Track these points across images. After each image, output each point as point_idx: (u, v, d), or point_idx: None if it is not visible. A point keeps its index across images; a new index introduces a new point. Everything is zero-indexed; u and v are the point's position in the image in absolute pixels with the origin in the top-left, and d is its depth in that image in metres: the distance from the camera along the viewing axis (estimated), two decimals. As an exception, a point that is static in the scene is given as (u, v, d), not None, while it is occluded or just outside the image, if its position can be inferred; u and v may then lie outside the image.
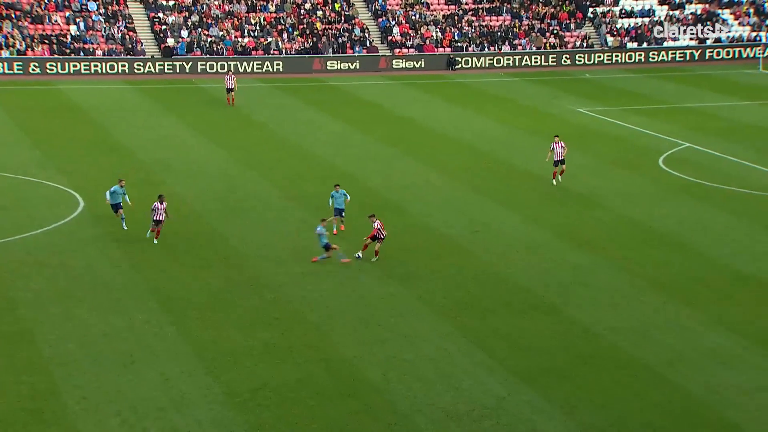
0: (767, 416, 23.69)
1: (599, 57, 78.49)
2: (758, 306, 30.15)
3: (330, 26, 78.46)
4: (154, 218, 35.16)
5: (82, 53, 73.29)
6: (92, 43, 74.04)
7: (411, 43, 78.05)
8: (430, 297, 30.88)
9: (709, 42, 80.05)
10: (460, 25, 79.91)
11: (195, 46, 75.04)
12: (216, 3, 79.04)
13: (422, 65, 76.69)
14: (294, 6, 79.64)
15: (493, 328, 28.62)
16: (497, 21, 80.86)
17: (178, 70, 73.15)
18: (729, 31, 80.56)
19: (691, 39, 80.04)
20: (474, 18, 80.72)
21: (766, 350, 26.98)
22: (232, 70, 69.97)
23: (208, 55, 74.64)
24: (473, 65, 77.13)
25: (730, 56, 79.48)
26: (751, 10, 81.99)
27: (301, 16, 78.97)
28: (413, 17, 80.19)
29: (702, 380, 25.29)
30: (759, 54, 77.48)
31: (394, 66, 76.40)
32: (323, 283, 32.02)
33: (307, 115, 59.25)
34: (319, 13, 79.55)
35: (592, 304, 30.37)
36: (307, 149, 50.49)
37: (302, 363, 26.38)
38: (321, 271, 33.06)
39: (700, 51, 79.49)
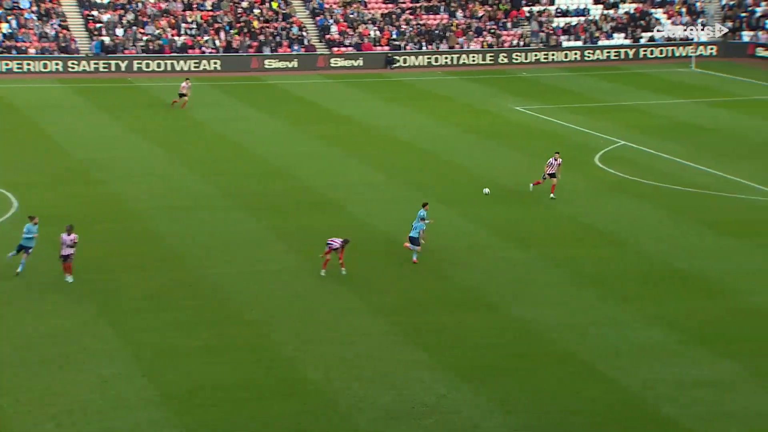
0: (702, 410, 23.99)
1: (536, 56, 79.07)
2: (693, 301, 30.55)
3: (267, 25, 78.08)
4: (61, 254, 30.83)
5: (14, 51, 72.07)
6: (25, 42, 72.84)
7: (349, 41, 77.97)
8: (370, 295, 30.82)
9: (642, 41, 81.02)
10: (398, 23, 79.98)
11: (131, 43, 74.22)
12: (151, 1, 78.24)
13: (361, 64, 76.63)
14: (231, 4, 79.11)
15: (433, 325, 28.64)
16: (435, 20, 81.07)
17: (113, 69, 72.27)
18: (663, 30, 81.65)
19: (625, 38, 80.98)
20: (412, 17, 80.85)
21: (702, 345, 27.32)
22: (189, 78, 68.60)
23: (144, 54, 73.86)
24: (411, 64, 77.24)
25: (664, 55, 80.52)
26: (684, 10, 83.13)
27: (239, 15, 78.47)
28: (351, 16, 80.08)
29: (639, 375, 25.54)
30: (691, 53, 78.60)
31: (332, 64, 76.24)
32: (263, 282, 31.80)
33: (245, 114, 58.90)
34: (257, 11, 79.12)
35: (532, 300, 30.54)
36: (245, 148, 50.16)
37: (241, 363, 26.17)
38: (261, 270, 32.84)
39: (634, 50, 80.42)
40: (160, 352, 26.60)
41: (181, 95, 59.20)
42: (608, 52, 79.98)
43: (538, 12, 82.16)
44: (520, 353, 26.98)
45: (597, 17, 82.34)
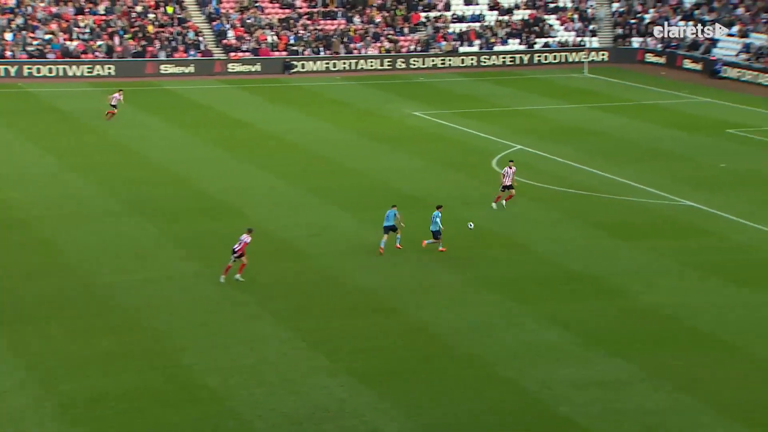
0: (598, 409, 24.52)
1: (433, 61, 79.78)
2: (588, 302, 31.20)
3: (162, 29, 77.20)
4: None
5: None
6: None
7: (246, 46, 77.59)
8: (270, 301, 30.75)
9: (537, 47, 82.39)
10: (295, 29, 79.89)
11: (20, 48, 72.63)
12: (41, 5, 76.67)
13: (258, 69, 76.32)
14: (125, 9, 78.02)
15: (333, 330, 28.70)
16: (332, 25, 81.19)
17: (2, 74, 70.65)
18: (557, 36, 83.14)
19: (521, 44, 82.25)
20: (309, 22, 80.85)
21: (596, 345, 27.93)
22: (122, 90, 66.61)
23: (34, 59, 72.35)
24: (310, 69, 77.24)
25: (558, 60, 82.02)
26: (576, 16, 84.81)
27: (133, 19, 77.42)
28: (248, 21, 79.72)
29: (537, 376, 25.99)
30: (584, 58, 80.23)
31: (229, 70, 75.77)
32: (163, 289, 31.47)
33: (141, 120, 58.14)
34: (151, 16, 78.18)
35: (431, 304, 30.83)
36: (141, 154, 49.54)
37: (142, 371, 25.87)
38: (160, 277, 32.49)
39: (529, 55, 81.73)
40: (57, 362, 26.13)
41: (113, 106, 56.60)
42: (504, 58, 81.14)
43: (434, 18, 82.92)
44: (421, 356, 27.21)
45: (492, 23, 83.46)
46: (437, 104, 64.34)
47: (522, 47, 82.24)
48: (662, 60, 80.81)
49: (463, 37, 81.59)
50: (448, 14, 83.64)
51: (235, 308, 30.19)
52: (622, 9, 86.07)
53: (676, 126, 57.38)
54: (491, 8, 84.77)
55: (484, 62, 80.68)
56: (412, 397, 24.91)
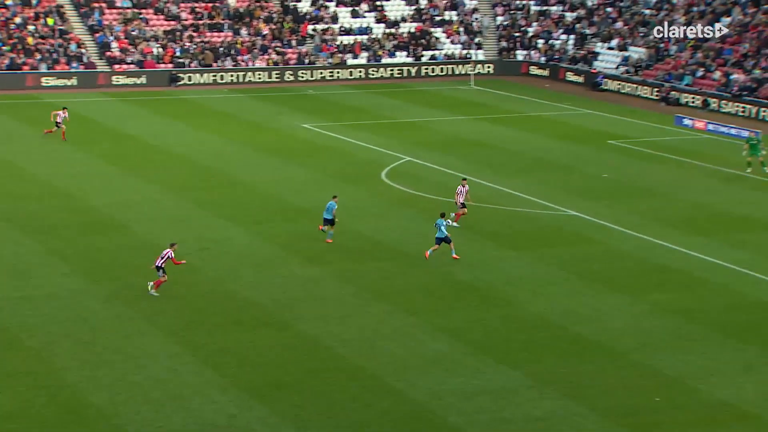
0: (486, 418, 24.79)
1: (321, 73, 79.86)
2: (476, 312, 31.55)
3: (43, 41, 75.57)
4: None
5: None
6: None
7: (131, 59, 76.49)
8: (158, 317, 30.30)
9: (424, 59, 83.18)
10: (181, 41, 79.08)
11: None
12: None
13: (144, 81, 75.28)
14: (2, 20, 76.11)
15: (222, 345, 28.43)
16: (219, 37, 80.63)
17: None
18: (443, 49, 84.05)
19: (407, 56, 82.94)
20: (195, 34, 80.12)
21: (485, 354, 28.24)
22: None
23: None
24: (196, 81, 76.52)
25: (444, 73, 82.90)
26: (462, 30, 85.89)
27: (11, 31, 75.58)
28: (132, 33, 78.60)
29: (426, 387, 26.15)
30: (470, 71, 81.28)
31: (114, 82, 74.56)
32: (43, 307, 30.74)
33: (21, 133, 56.77)
34: (31, 27, 76.45)
35: (321, 317, 30.78)
36: (22, 168, 48.37)
37: (22, 391, 25.19)
38: (42, 294, 31.73)
39: (416, 68, 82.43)
40: (-67, 385, 25.28)
41: (57, 124, 54.51)
42: (391, 70, 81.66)
43: (322, 30, 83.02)
44: (310, 369, 27.14)
45: (380, 36, 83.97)
46: (326, 116, 64.39)
47: (409, 60, 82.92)
48: (546, 72, 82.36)
49: (350, 50, 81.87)
50: (336, 27, 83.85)
51: (122, 324, 29.66)
52: (506, 22, 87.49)
53: (560, 137, 58.52)
54: (378, 21, 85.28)
55: (372, 74, 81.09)
56: (302, 410, 24.82)
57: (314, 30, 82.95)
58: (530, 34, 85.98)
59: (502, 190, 46.39)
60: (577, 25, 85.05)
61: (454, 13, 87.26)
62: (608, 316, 31.20)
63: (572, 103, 71.29)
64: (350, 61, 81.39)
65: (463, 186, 40.41)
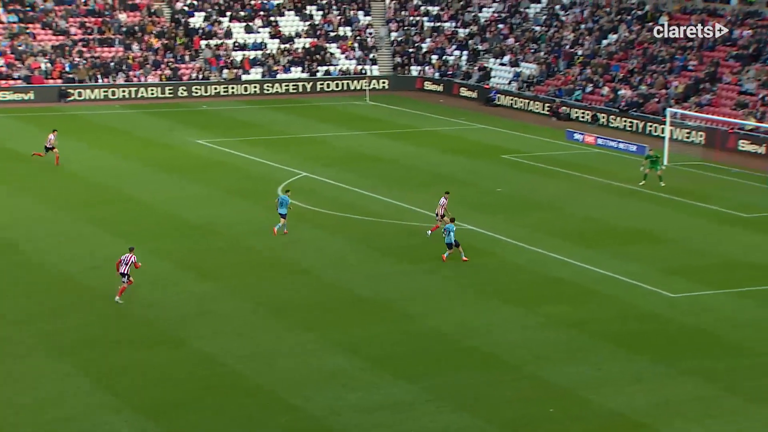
0: None
1: (215, 89, 79.35)
2: (374, 327, 31.67)
3: (-72, 55, 73.59)
4: None
5: None
6: None
7: (18, 74, 74.87)
8: (50, 337, 29.68)
9: (319, 75, 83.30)
10: (70, 57, 77.73)
11: None
12: None
13: (32, 97, 73.78)
14: None
15: (116, 364, 27.99)
16: (109, 52, 79.49)
17: None
18: (338, 64, 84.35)
19: (302, 71, 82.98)
20: (84, 49, 78.85)
21: (383, 369, 28.36)
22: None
23: None
24: (87, 97, 75.28)
25: (340, 88, 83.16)
26: (356, 45, 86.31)
27: None
28: (19, 48, 76.97)
29: (324, 402, 26.14)
30: (365, 86, 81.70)
31: (0, 98, 72.96)
32: (-71, 329, 29.85)
33: None
34: None
35: (217, 333, 30.53)
36: None
37: None
38: (-74, 317, 30.82)
39: (311, 83, 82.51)
40: None
41: (48, 149, 52.01)
42: (287, 86, 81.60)
43: (215, 46, 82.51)
44: (207, 386, 26.89)
45: (274, 51, 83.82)
46: (221, 132, 63.98)
47: (304, 75, 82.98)
48: (440, 88, 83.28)
49: (244, 65, 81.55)
50: (230, 42, 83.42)
51: (13, 345, 28.97)
52: (400, 38, 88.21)
53: (455, 152, 59.19)
54: (272, 36, 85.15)
55: (268, 90, 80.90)
56: (199, 428, 24.58)
57: (207, 45, 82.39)
58: (424, 50, 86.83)
59: (399, 204, 46.69)
60: (470, 41, 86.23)
61: (348, 28, 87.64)
62: (502, 329, 31.63)
63: (466, 118, 72.20)
64: (245, 77, 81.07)
65: (445, 198, 41.17)
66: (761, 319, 32.69)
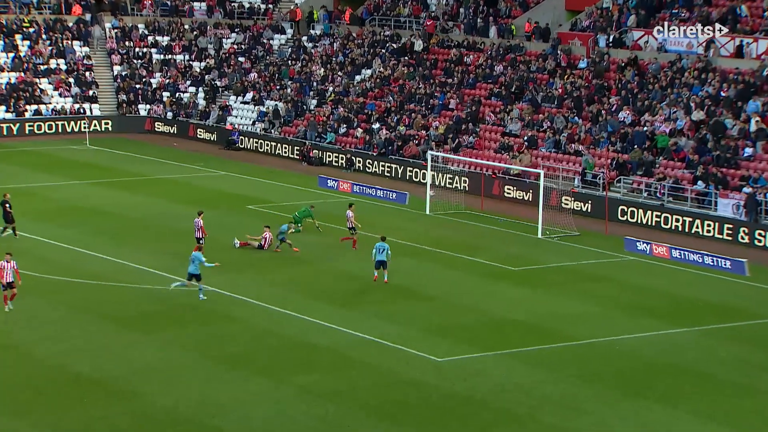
0: None
1: None
2: (97, 409, 30.85)
3: None
4: None
5: None
6: None
7: None
8: None
9: (28, 115, 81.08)
10: None
11: None
12: None
13: None
14: None
15: None
16: None
17: None
18: (51, 103, 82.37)
19: (7, 112, 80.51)
20: None
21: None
22: None
23: None
24: None
25: (54, 131, 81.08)
26: (72, 80, 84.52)
27: None
28: None
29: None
30: (85, 128, 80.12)
31: None
32: None
33: None
34: None
35: None
36: None
37: None
38: None
39: (19, 125, 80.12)
40: None
41: None
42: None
43: None
44: None
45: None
46: None
47: (10, 115, 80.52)
48: (174, 129, 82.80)
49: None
50: None
51: None
52: (125, 72, 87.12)
53: (193, 202, 58.66)
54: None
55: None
56: None
57: None
58: (154, 86, 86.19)
59: (127, 264, 45.90)
60: (207, 76, 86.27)
61: (62, 61, 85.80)
62: (250, 404, 31.50)
63: (205, 163, 72.01)
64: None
65: (351, 211, 49.33)
66: (530, 383, 33.93)
